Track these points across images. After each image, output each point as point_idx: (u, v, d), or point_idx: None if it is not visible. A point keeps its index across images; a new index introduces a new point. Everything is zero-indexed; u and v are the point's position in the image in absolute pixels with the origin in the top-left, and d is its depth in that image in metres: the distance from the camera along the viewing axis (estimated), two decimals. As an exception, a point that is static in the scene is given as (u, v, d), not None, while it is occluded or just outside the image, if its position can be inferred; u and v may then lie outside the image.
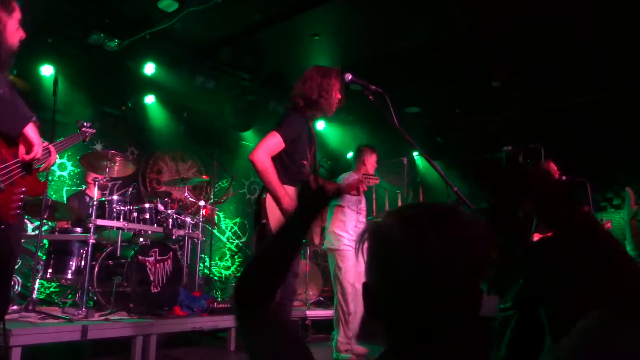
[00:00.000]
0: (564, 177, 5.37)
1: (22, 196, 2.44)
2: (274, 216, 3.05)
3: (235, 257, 8.32)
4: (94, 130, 3.71)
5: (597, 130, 7.22)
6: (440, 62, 6.19)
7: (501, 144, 7.88)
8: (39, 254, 4.67)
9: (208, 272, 7.45)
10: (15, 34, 2.52)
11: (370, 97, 2.92)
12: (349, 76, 2.99)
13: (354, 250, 4.63)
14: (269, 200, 3.07)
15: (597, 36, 5.37)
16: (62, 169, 6.53)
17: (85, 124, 3.76)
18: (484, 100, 7.30)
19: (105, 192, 5.48)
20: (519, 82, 6.66)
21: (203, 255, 6.95)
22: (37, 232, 4.35)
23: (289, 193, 3.09)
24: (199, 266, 6.06)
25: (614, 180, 7.75)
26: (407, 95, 7.23)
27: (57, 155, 2.84)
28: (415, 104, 7.70)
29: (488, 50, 5.85)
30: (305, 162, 3.25)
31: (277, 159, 3.14)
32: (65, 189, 6.53)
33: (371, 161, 4.88)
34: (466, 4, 4.93)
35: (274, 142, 3.09)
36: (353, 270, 4.61)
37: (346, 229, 4.67)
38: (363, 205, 4.87)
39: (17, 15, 2.53)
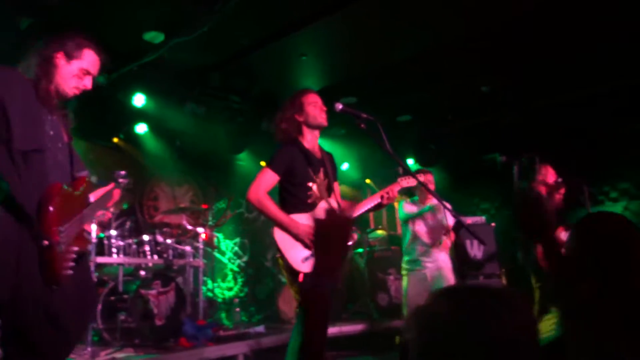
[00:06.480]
0: (561, 179, 5.40)
1: (74, 256, 2.32)
2: (286, 246, 3.06)
3: (238, 277, 8.30)
4: (127, 180, 3.08)
5: (586, 125, 7.27)
6: (427, 71, 6.23)
7: (494, 147, 7.95)
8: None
9: (211, 295, 7.44)
10: (69, 81, 2.41)
11: (362, 125, 2.94)
12: (339, 106, 3.01)
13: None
14: (277, 233, 3.08)
15: (582, 33, 5.41)
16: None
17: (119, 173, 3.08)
18: (474, 105, 7.35)
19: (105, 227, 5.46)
20: (506, 84, 6.71)
21: (205, 278, 6.93)
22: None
23: (298, 219, 3.09)
24: (202, 290, 6.04)
25: (608, 172, 7.78)
26: (398, 104, 7.28)
27: None
28: (407, 113, 7.74)
29: (474, 57, 5.89)
30: (311, 184, 3.22)
31: (283, 192, 3.22)
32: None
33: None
34: (446, 15, 4.97)
35: (266, 177, 3.14)
36: None
37: None
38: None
39: (80, 63, 2.43)
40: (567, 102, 6.97)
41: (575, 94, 6.81)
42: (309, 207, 3.18)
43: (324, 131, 3.39)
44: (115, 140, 6.77)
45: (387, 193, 3.33)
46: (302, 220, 3.10)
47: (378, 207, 3.38)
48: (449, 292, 0.98)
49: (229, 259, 8.27)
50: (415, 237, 4.99)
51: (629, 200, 7.64)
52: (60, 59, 2.41)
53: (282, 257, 3.04)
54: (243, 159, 8.02)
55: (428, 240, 4.90)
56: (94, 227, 4.61)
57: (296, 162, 3.21)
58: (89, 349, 4.14)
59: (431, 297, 0.96)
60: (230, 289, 8.18)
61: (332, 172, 3.39)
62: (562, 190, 5.34)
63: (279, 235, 3.07)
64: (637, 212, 7.31)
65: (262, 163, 7.79)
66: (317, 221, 1.37)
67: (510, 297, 0.90)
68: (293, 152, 3.23)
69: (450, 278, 4.80)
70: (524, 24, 5.17)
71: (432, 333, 0.90)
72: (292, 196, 3.19)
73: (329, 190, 3.33)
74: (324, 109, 3.29)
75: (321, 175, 3.30)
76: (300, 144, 3.29)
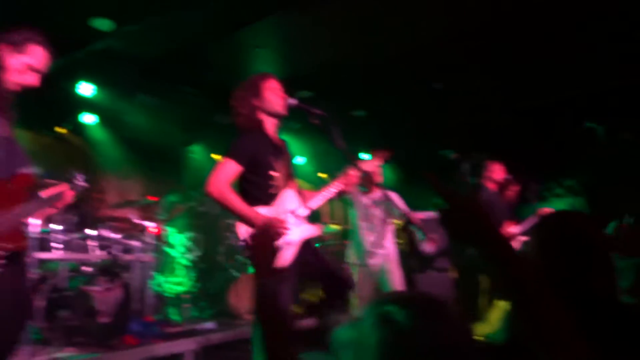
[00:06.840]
0: (510, 177, 5.54)
1: (3, 253, 2.21)
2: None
3: (189, 272, 8.14)
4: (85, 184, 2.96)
5: (535, 124, 7.50)
6: (383, 66, 6.26)
7: (449, 143, 8.08)
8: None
9: (161, 290, 7.25)
10: (15, 75, 2.38)
11: (316, 121, 2.90)
12: (294, 101, 2.95)
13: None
14: (241, 228, 2.91)
15: (538, 45, 5.56)
16: None
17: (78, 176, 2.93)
18: (429, 102, 7.45)
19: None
20: (460, 83, 6.83)
21: (154, 273, 6.75)
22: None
23: (262, 212, 2.92)
24: (151, 285, 5.89)
25: (553, 169, 8.03)
26: (354, 99, 7.31)
27: None
28: (362, 108, 7.77)
29: (430, 55, 5.95)
30: (273, 174, 3.06)
31: (244, 183, 3.02)
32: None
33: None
34: (405, 14, 4.99)
35: (227, 168, 2.93)
36: None
37: None
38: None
39: (26, 58, 2.40)
40: (519, 103, 7.17)
41: (528, 97, 7.02)
42: (271, 198, 3.03)
43: (279, 125, 3.25)
44: (61, 130, 6.51)
45: (347, 178, 3.23)
46: (267, 213, 2.94)
47: (340, 194, 3.30)
48: (399, 298, 0.97)
49: (180, 254, 8.10)
50: (361, 228, 4.96)
51: (574, 197, 7.91)
52: (3, 52, 2.35)
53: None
54: (195, 151, 7.86)
55: (373, 232, 4.89)
56: (37, 221, 4.41)
57: (259, 151, 3.03)
58: (29, 348, 3.96)
59: (380, 300, 0.95)
60: (180, 284, 8.01)
61: (289, 160, 3.27)
62: (514, 188, 5.48)
63: (244, 230, 2.90)
64: (581, 209, 7.57)
65: (215, 156, 7.65)
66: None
67: (446, 305, 0.95)
68: (256, 139, 3.05)
69: (396, 271, 4.79)
70: (486, 25, 5.26)
71: (388, 336, 0.90)
72: (254, 187, 3.00)
73: (289, 178, 3.20)
74: (284, 96, 3.10)
75: (282, 163, 3.15)
76: (263, 130, 3.12)
